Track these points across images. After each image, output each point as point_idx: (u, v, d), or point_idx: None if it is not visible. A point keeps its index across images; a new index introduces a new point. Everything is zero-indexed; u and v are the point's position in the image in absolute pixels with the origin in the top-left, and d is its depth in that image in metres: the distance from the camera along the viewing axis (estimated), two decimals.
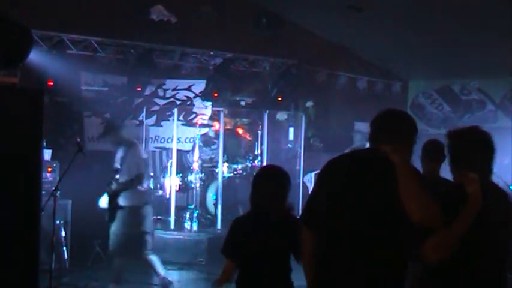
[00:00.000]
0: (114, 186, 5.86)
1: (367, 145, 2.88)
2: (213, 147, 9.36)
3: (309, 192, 3.16)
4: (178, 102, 9.78)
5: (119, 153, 6.07)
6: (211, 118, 9.74)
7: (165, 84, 9.76)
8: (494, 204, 2.64)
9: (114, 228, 5.90)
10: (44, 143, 5.96)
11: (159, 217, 8.95)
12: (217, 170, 8.85)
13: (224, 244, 3.46)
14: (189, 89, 9.95)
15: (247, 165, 9.19)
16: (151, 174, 9.68)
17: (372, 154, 2.76)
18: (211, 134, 9.48)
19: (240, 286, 3.40)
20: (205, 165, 9.08)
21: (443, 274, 2.62)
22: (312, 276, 2.79)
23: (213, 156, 9.20)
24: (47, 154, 7.18)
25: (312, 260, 2.78)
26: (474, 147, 2.73)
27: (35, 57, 6.98)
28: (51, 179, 7.06)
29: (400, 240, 2.57)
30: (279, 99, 10.13)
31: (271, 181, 3.44)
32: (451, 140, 2.77)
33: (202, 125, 9.41)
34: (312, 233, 2.80)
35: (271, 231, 3.35)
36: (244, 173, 9.11)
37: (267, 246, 3.32)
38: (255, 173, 3.63)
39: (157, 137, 9.77)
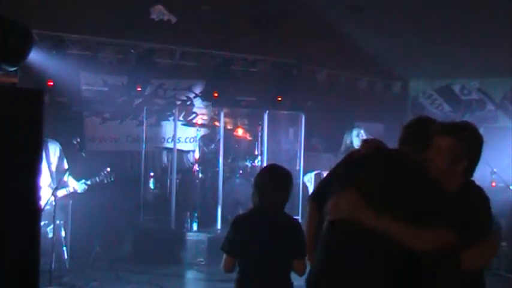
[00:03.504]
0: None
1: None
2: (212, 147, 9.35)
3: (309, 192, 3.21)
4: (178, 102, 9.78)
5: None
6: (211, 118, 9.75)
7: (165, 84, 9.76)
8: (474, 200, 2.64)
9: None
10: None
11: (159, 217, 8.96)
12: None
13: (224, 241, 3.46)
14: (189, 89, 9.95)
15: (247, 165, 9.19)
16: (152, 174, 9.72)
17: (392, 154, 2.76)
18: (213, 135, 9.45)
19: (240, 286, 3.41)
20: (206, 165, 9.07)
21: (430, 272, 2.62)
22: (312, 256, 2.88)
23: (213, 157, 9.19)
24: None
25: (314, 236, 2.86)
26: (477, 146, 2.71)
27: (35, 57, 6.98)
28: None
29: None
30: (279, 99, 10.13)
31: (273, 180, 3.45)
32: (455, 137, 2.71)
33: (202, 125, 9.41)
34: (318, 210, 2.84)
35: (271, 231, 3.36)
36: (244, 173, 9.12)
37: (267, 245, 3.33)
38: (257, 172, 3.63)
39: (157, 137, 9.77)
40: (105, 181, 6.54)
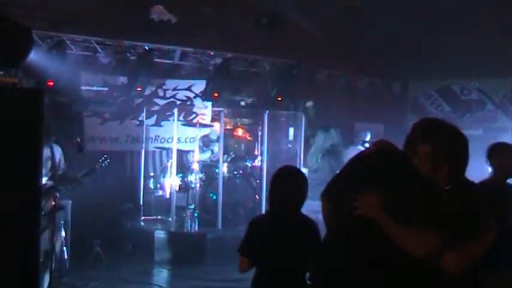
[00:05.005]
0: None
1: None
2: (212, 148, 9.35)
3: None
4: (178, 102, 9.78)
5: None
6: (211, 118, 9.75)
7: (165, 84, 9.75)
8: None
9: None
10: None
11: (159, 217, 8.97)
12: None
13: (241, 243, 3.47)
14: (189, 89, 9.95)
15: (247, 165, 9.19)
16: (152, 174, 9.72)
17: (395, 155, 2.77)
18: (213, 136, 9.44)
19: (256, 285, 3.41)
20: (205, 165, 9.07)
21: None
22: None
23: (214, 159, 9.19)
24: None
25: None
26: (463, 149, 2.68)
27: (35, 57, 6.98)
28: None
29: None
30: (279, 99, 10.12)
31: (289, 182, 3.45)
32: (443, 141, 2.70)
33: (202, 125, 9.41)
34: (328, 203, 2.91)
35: (287, 232, 3.36)
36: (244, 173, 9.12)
37: (283, 246, 3.33)
38: (273, 174, 3.60)
39: (157, 137, 9.77)
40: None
